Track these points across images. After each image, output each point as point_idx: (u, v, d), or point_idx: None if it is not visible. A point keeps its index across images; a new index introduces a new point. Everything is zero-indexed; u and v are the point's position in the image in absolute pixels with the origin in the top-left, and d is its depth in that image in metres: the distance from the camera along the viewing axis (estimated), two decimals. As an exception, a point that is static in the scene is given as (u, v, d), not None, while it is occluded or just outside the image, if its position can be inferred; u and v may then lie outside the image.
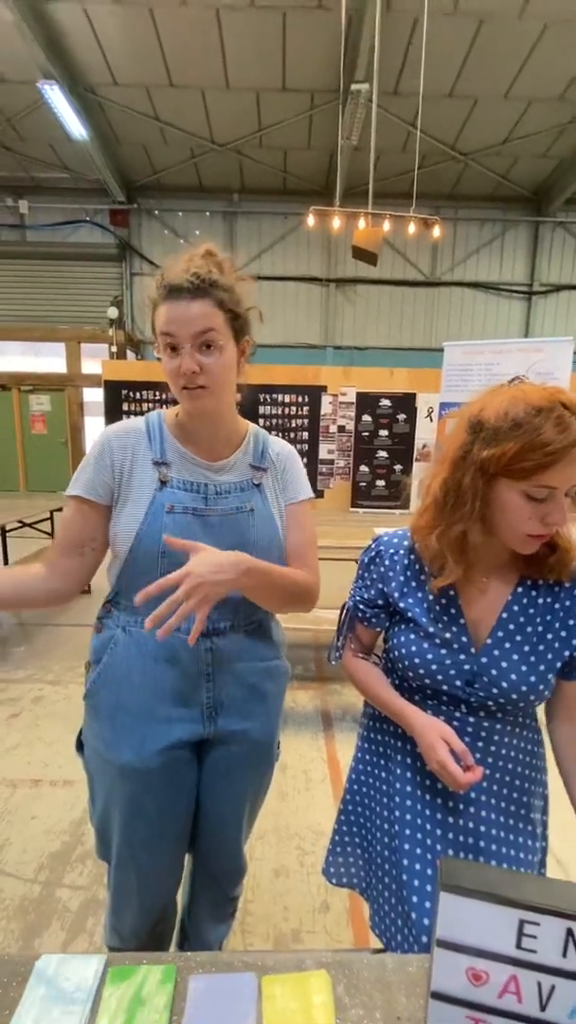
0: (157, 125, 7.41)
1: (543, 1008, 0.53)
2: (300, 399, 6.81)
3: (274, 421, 6.06)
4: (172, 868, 1.02)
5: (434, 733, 0.77)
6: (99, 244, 9.17)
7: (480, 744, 0.82)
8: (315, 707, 2.67)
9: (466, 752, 0.75)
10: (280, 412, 6.67)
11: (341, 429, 6.94)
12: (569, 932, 0.51)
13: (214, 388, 0.85)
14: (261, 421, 5.82)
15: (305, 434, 6.57)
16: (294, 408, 6.90)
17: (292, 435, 6.25)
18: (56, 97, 6.29)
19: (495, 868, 0.56)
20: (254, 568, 0.81)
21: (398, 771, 0.88)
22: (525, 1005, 0.54)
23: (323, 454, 6.83)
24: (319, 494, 6.40)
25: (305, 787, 2.01)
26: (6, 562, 4.14)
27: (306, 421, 6.86)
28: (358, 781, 0.98)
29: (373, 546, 0.91)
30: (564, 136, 7.45)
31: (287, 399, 6.80)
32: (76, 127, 6.85)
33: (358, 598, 0.91)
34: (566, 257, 9.34)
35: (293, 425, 6.52)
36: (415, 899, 0.80)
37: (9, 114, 7.19)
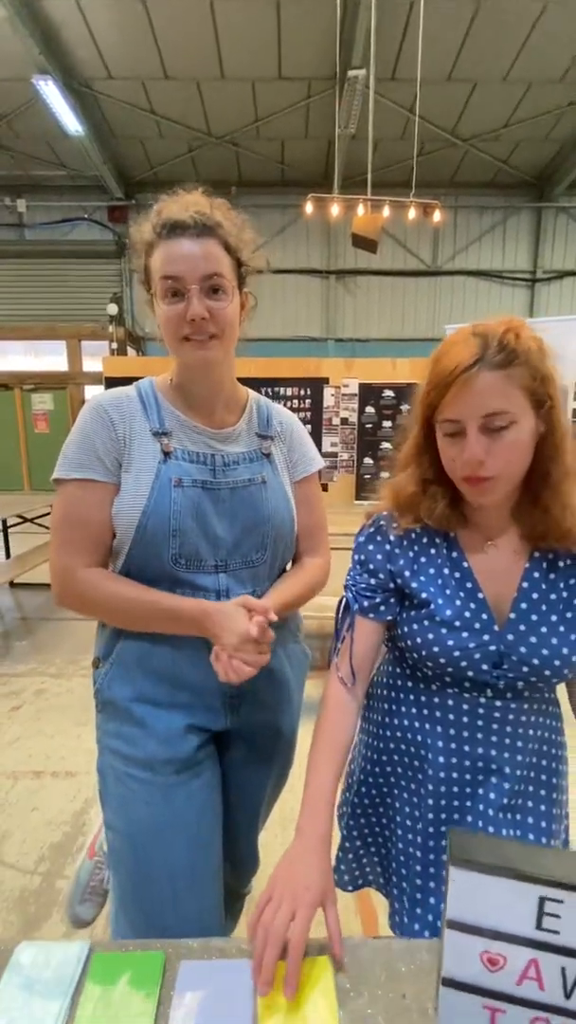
0: (153, 119, 7.36)
1: (568, 995, 0.48)
2: (302, 392, 6.75)
3: (276, 414, 6.03)
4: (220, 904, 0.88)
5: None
6: (98, 241, 9.14)
7: (508, 729, 0.75)
8: (320, 696, 2.62)
9: None
10: (283, 406, 6.60)
11: (344, 421, 6.87)
12: (596, 909, 0.45)
13: (222, 337, 0.76)
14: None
15: (308, 427, 6.49)
16: (296, 401, 6.84)
17: (295, 428, 6.19)
18: (51, 92, 6.26)
19: (510, 841, 0.51)
20: (283, 608, 0.84)
21: (429, 767, 0.79)
22: (548, 993, 0.48)
23: (326, 447, 6.77)
24: (323, 487, 6.37)
25: (311, 777, 1.96)
26: (8, 555, 4.13)
27: (309, 414, 6.81)
28: (373, 775, 0.89)
29: (371, 523, 0.81)
30: (565, 119, 7.33)
31: (289, 392, 6.75)
32: (72, 123, 6.81)
33: (363, 585, 0.79)
34: (570, 243, 9.21)
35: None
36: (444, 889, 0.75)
37: (4, 111, 7.16)
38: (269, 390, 6.32)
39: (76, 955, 0.58)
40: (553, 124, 7.47)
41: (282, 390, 6.44)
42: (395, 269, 9.23)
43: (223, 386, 0.84)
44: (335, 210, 5.00)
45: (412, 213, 5.10)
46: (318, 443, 6.87)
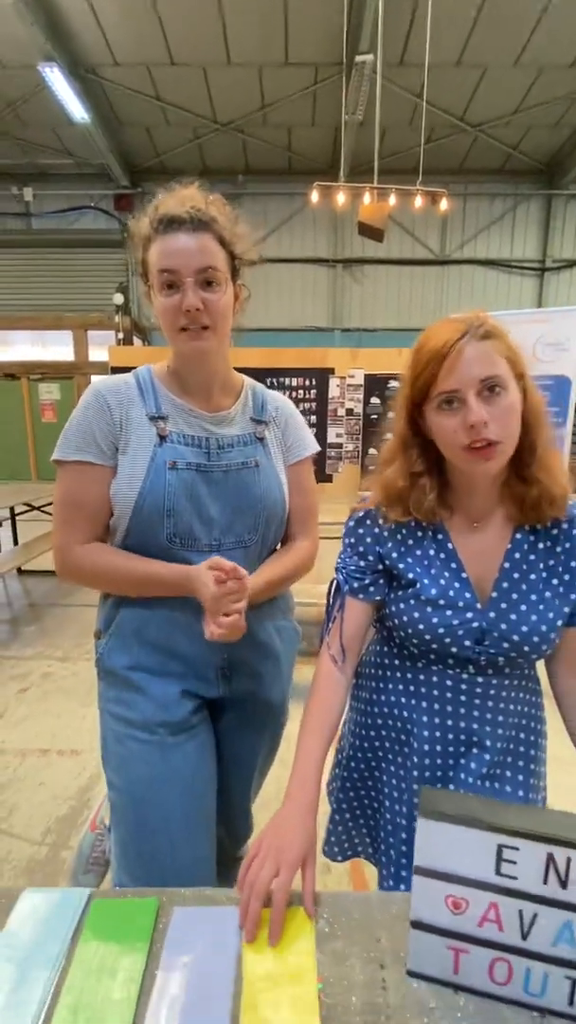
0: (159, 105, 7.32)
1: (525, 937, 0.52)
2: (307, 382, 6.75)
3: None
4: (210, 858, 0.94)
5: None
6: (104, 230, 9.13)
7: (490, 703, 0.79)
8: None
9: None
10: (287, 396, 6.58)
11: (349, 412, 6.86)
12: (549, 857, 0.49)
13: (216, 328, 0.80)
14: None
15: (313, 418, 6.52)
16: (301, 392, 6.83)
17: (300, 419, 6.18)
18: (57, 80, 6.23)
19: (475, 796, 0.55)
20: (254, 598, 0.86)
21: (414, 740, 0.83)
22: (506, 934, 0.53)
23: (331, 438, 6.76)
24: (327, 478, 6.38)
25: (309, 758, 2.02)
26: (16, 543, 4.20)
27: (314, 405, 6.80)
28: (362, 750, 0.93)
29: (361, 509, 0.85)
30: (577, 104, 7.22)
31: (294, 383, 6.75)
32: (78, 110, 6.79)
33: (352, 567, 0.83)
34: (580, 231, 9.10)
35: (301, 409, 6.42)
36: None
37: (11, 99, 7.15)
38: (274, 380, 6.30)
39: (76, 900, 0.63)
40: (564, 110, 7.36)
41: (287, 380, 6.44)
42: (403, 258, 9.16)
43: (218, 373, 0.88)
44: (341, 198, 4.98)
45: (419, 201, 5.06)
46: (323, 434, 6.81)
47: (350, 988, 0.55)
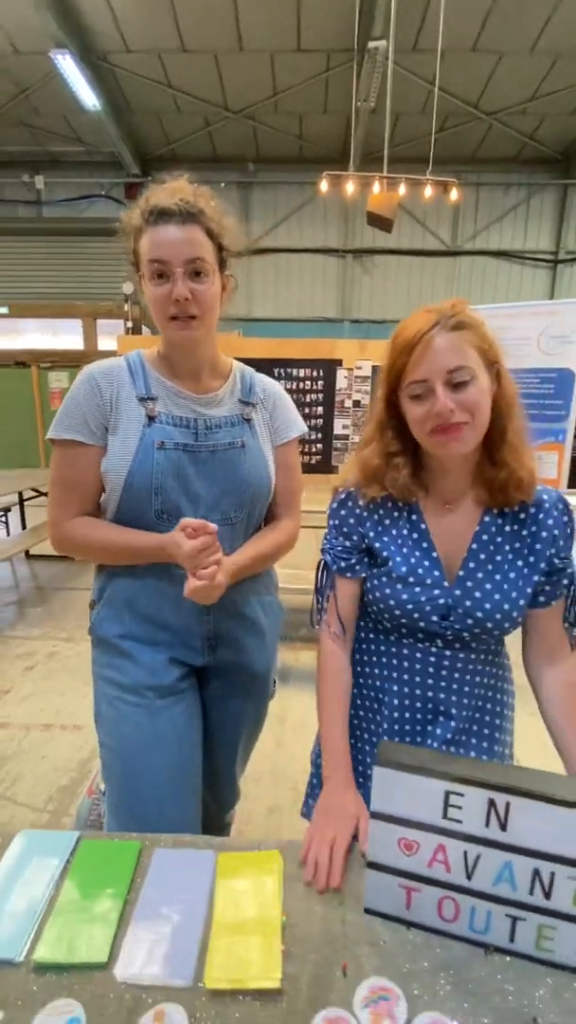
0: (170, 93, 7.28)
1: (469, 877, 0.57)
2: (315, 373, 6.72)
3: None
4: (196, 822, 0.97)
5: None
6: (114, 219, 8.54)
7: (456, 676, 0.84)
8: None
9: None
10: (294, 387, 6.58)
11: (356, 404, 6.85)
12: (490, 802, 0.54)
13: (204, 317, 0.84)
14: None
15: (320, 409, 6.52)
16: (309, 383, 6.81)
17: (306, 410, 6.17)
18: (68, 67, 6.22)
19: (429, 750, 0.59)
20: (240, 572, 0.90)
21: (385, 708, 0.88)
22: (453, 874, 0.58)
23: (338, 429, 6.74)
24: (333, 470, 6.39)
25: (302, 737, 2.08)
26: (24, 527, 4.29)
27: (321, 396, 6.78)
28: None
29: (343, 491, 0.89)
30: (594, 92, 7.08)
31: (302, 374, 6.73)
32: (89, 97, 6.78)
33: (339, 548, 0.87)
34: (594, 223, 8.96)
35: (308, 400, 6.44)
36: None
37: (23, 86, 7.15)
38: (281, 371, 6.29)
39: (67, 841, 0.69)
40: (581, 97, 7.22)
41: (295, 371, 6.44)
42: (414, 248, 9.08)
43: (206, 358, 0.93)
44: (350, 188, 4.96)
45: (428, 191, 5.03)
46: (330, 425, 6.76)
47: (312, 921, 0.61)
